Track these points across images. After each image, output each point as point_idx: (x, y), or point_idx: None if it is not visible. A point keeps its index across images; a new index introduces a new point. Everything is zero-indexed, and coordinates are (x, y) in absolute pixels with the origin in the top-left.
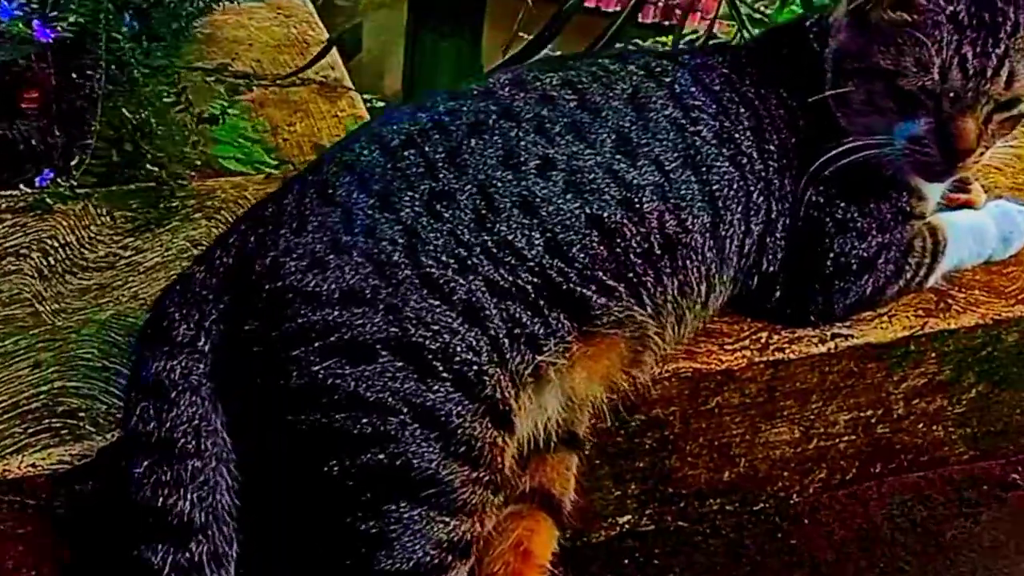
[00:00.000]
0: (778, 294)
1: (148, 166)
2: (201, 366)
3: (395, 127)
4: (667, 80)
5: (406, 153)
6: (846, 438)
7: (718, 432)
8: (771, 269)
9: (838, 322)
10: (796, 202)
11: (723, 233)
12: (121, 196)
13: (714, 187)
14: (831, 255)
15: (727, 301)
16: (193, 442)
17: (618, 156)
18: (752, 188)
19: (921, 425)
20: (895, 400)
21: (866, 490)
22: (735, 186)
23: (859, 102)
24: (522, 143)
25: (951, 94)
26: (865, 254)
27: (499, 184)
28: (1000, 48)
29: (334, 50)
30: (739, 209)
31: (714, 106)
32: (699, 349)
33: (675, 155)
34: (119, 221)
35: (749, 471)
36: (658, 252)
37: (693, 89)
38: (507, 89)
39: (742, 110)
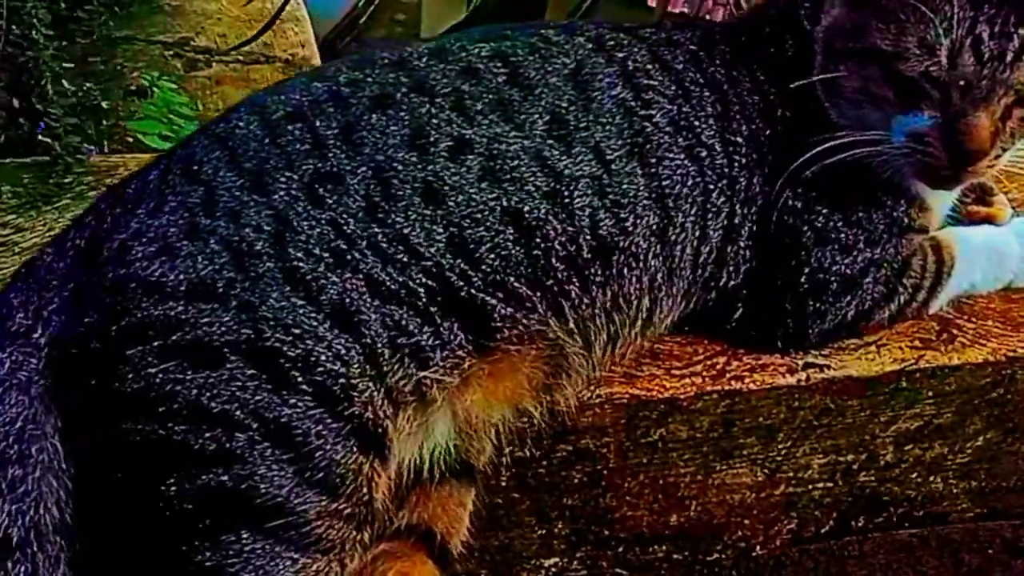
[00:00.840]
0: (741, 312)
1: (41, 138)
2: (34, 361)
3: (283, 97)
4: (620, 55)
5: (291, 127)
6: (821, 485)
7: (663, 469)
8: (733, 283)
9: (813, 349)
10: (768, 205)
11: (673, 238)
12: (13, 170)
13: (664, 183)
14: (807, 270)
15: (682, 318)
16: (15, 447)
17: (550, 141)
18: (711, 186)
19: (915, 475)
20: (882, 444)
21: (845, 546)
22: (690, 183)
23: (852, 90)
24: (434, 121)
25: (961, 83)
26: (848, 271)
27: (400, 167)
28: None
29: (308, 27)
30: (694, 211)
31: (673, 87)
32: (640, 373)
33: (619, 142)
34: (6, 197)
35: (702, 516)
36: (587, 257)
37: (650, 67)
38: (424, 59)
39: (706, 94)
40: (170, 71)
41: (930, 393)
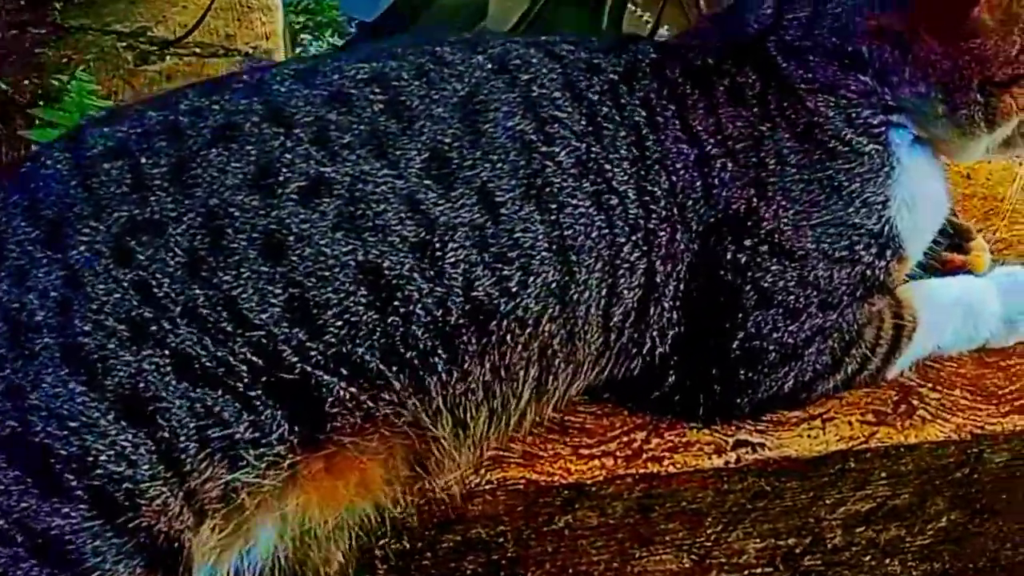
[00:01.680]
0: (672, 382)
1: None
2: None
3: (106, 130)
4: (524, 79)
5: (108, 166)
6: (759, 570)
7: (572, 558)
8: (660, 351)
9: (748, 419)
10: (699, 262)
11: (575, 297)
12: None
13: (566, 232)
14: (740, 334)
15: (608, 382)
16: None
17: (427, 181)
18: (622, 239)
19: (869, 558)
20: (829, 527)
21: None
22: (596, 234)
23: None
24: (286, 156)
25: None
26: (791, 340)
27: (237, 213)
28: None
29: (279, 16)
30: (600, 266)
31: (583, 122)
32: (543, 452)
33: (512, 183)
34: None
35: None
36: (458, 323)
37: (559, 95)
38: (287, 83)
39: (621, 134)
40: (120, 65)
41: (883, 474)
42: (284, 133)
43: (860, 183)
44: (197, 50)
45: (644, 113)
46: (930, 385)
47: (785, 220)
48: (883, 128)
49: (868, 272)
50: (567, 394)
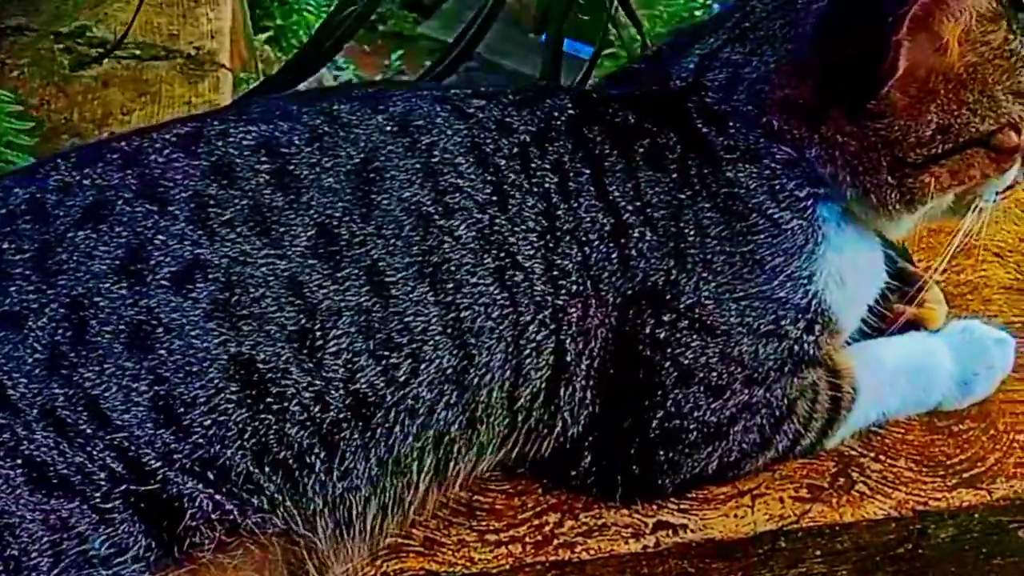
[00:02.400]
0: (587, 461)
1: None
2: None
3: None
4: (425, 143)
5: None
6: None
7: None
8: (575, 430)
9: (671, 498)
10: (615, 338)
11: (475, 381)
12: None
13: (463, 314)
14: (660, 413)
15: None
16: None
17: (312, 262)
18: (527, 317)
19: None
20: None
21: None
22: (497, 314)
23: (940, 186)
24: (159, 238)
25: None
26: (714, 418)
27: (103, 303)
28: None
29: (226, 12)
30: (503, 347)
31: (488, 190)
32: (446, 537)
33: (405, 262)
34: None
35: None
36: (338, 418)
37: (462, 161)
38: (167, 151)
39: (529, 203)
40: (55, 70)
41: (818, 552)
42: (158, 211)
43: (784, 258)
44: (137, 52)
45: (556, 179)
46: (872, 454)
47: (706, 293)
48: (810, 201)
49: (796, 347)
50: (472, 474)
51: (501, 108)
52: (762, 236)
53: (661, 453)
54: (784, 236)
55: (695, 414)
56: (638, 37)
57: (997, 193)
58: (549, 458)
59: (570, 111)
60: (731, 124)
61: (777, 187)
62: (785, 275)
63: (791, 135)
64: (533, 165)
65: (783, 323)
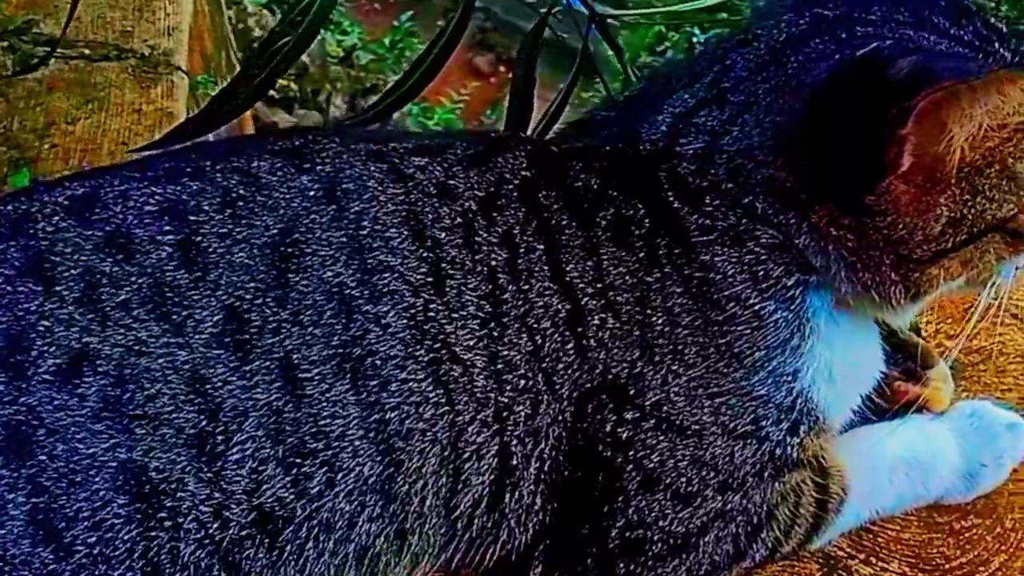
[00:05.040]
0: (538, 572)
1: None
2: None
3: None
4: (353, 211)
5: None
6: None
7: None
8: (522, 541)
9: None
10: (569, 437)
11: (404, 489)
12: None
13: (389, 415)
14: (620, 521)
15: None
16: None
17: (217, 351)
18: (466, 417)
19: None
20: None
21: None
22: (430, 414)
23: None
24: (43, 324)
25: None
26: (681, 528)
27: None
28: None
29: (186, 7)
30: (437, 451)
31: (424, 269)
32: None
33: (324, 354)
34: None
35: None
36: (239, 536)
37: (394, 234)
38: (56, 218)
39: (471, 283)
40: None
41: None
42: (43, 291)
43: (765, 352)
44: (86, 51)
45: (504, 255)
46: (863, 556)
47: (676, 389)
48: (799, 290)
49: (778, 450)
50: None
51: (445, 167)
52: (741, 328)
53: (621, 566)
54: (767, 328)
55: (660, 523)
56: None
57: (1017, 268)
58: (494, 569)
59: (524, 172)
60: (707, 201)
61: (761, 274)
62: (766, 371)
63: (777, 220)
64: (478, 239)
65: (763, 424)
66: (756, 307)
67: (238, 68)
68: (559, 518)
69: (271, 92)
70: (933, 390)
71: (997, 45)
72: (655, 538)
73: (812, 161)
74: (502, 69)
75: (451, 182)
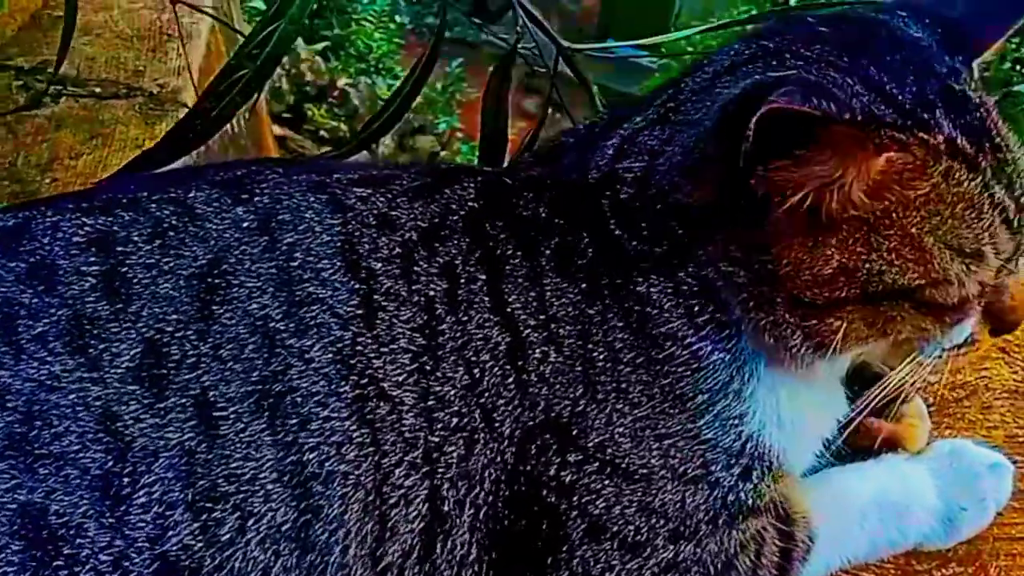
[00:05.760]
0: None
1: None
2: None
3: None
4: (286, 243)
5: None
6: None
7: None
8: None
9: None
10: (517, 476)
11: (323, 538)
12: None
13: (308, 456)
14: (563, 574)
15: None
16: None
17: (132, 387)
18: (393, 458)
19: None
20: None
21: None
22: (353, 455)
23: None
24: None
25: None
26: None
27: None
28: (1011, 150)
29: (196, 46)
30: (361, 496)
31: (355, 301)
32: None
33: (242, 391)
34: None
35: None
36: None
37: (326, 265)
38: None
39: (405, 316)
40: (8, 108)
41: None
42: None
43: (708, 395)
44: (97, 90)
45: (443, 285)
46: None
47: (621, 430)
48: (734, 328)
49: (731, 496)
50: None
51: (389, 199)
52: (681, 369)
53: None
54: (707, 371)
55: (607, 575)
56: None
57: (945, 350)
58: None
59: (471, 203)
60: (643, 226)
61: (695, 309)
62: (712, 415)
63: (693, 249)
64: (416, 269)
65: (713, 468)
66: (694, 347)
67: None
68: (498, 570)
69: (322, 132)
70: (908, 427)
71: (937, 113)
72: None
73: (712, 188)
74: (550, 111)
75: (393, 213)
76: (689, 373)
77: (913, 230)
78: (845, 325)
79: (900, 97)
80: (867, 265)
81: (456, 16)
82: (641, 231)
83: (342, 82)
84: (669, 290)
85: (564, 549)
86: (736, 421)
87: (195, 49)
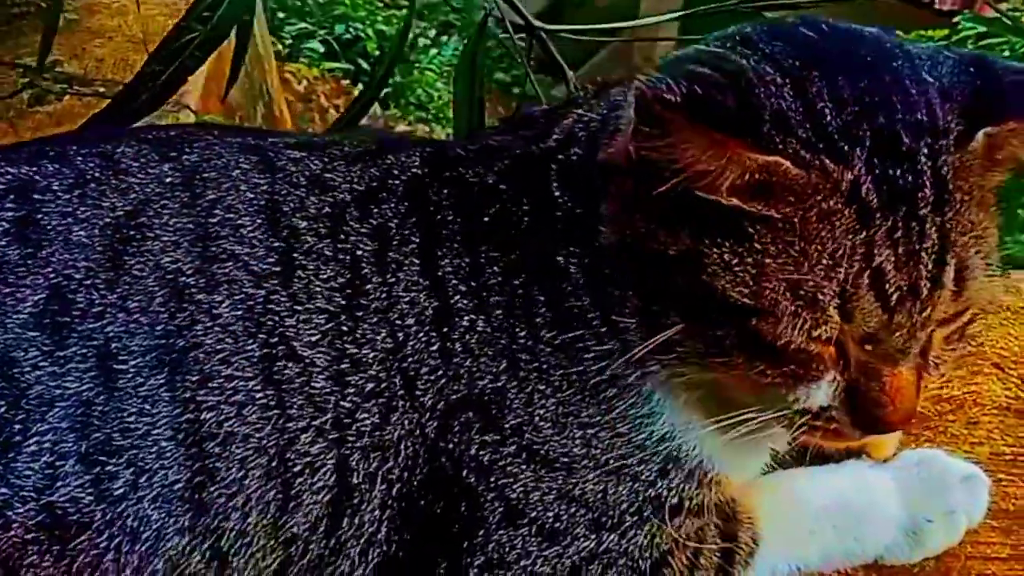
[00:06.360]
0: None
1: None
2: None
3: None
4: (207, 199)
5: None
6: None
7: None
8: (361, 574)
9: None
10: (438, 452)
11: (218, 502)
12: None
13: (206, 415)
14: (479, 560)
15: None
16: None
17: (34, 333)
18: (300, 423)
19: None
20: None
21: None
22: (255, 417)
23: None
24: None
25: (867, 339)
26: (547, 569)
27: None
28: (935, 230)
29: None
30: (264, 462)
31: (272, 259)
32: None
33: (144, 344)
34: None
35: None
36: (27, 539)
37: (247, 222)
38: None
39: (327, 273)
40: (12, 105)
41: None
42: None
43: (617, 390)
44: (101, 89)
45: (372, 246)
46: None
47: (542, 413)
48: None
49: (652, 492)
50: None
51: (325, 162)
52: (590, 357)
53: None
54: (612, 361)
55: (523, 563)
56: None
57: (794, 411)
58: None
59: (415, 169)
60: (581, 188)
61: (601, 287)
62: (620, 410)
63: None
64: (346, 229)
65: (631, 462)
66: (601, 331)
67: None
68: (409, 552)
69: None
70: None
71: (858, 152)
72: None
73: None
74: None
75: (328, 175)
76: (597, 361)
77: (766, 245)
78: (673, 332)
79: (827, 119)
80: (709, 257)
81: (525, 71)
82: (579, 193)
83: (399, 128)
84: (586, 264)
85: (480, 533)
86: (646, 419)
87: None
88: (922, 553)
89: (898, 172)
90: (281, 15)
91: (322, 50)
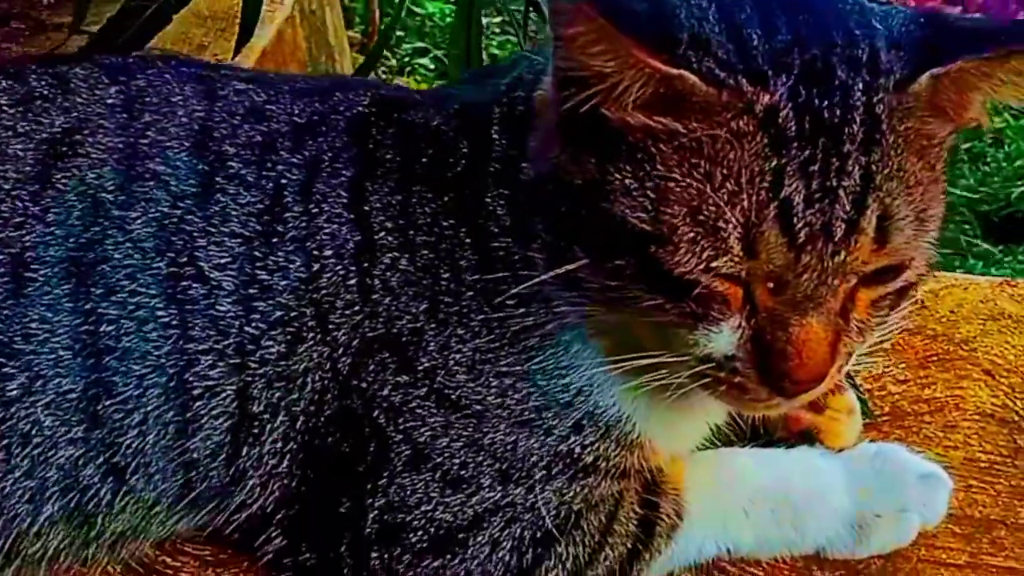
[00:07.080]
0: (279, 545)
1: None
2: None
3: None
4: (143, 120)
5: None
6: None
7: None
8: (262, 504)
9: None
10: (348, 390)
11: (112, 417)
12: None
13: (104, 327)
14: (380, 501)
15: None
16: None
17: None
18: (201, 346)
19: None
20: None
21: None
22: (156, 334)
23: (594, 287)
24: None
25: (771, 280)
26: (448, 516)
27: None
28: (858, 169)
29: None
30: (162, 382)
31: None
32: None
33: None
34: None
35: None
36: None
37: (175, 144)
38: None
39: (247, 198)
40: None
41: None
42: None
43: (538, 338)
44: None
45: (299, 176)
46: None
47: (457, 358)
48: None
49: (564, 448)
50: (142, 542)
51: (269, 94)
52: (512, 303)
53: (375, 557)
54: (532, 309)
55: (423, 508)
56: None
57: (688, 362)
58: (242, 532)
59: (361, 108)
60: (518, 130)
61: (531, 234)
62: (540, 359)
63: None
64: (275, 157)
65: (545, 415)
66: (522, 275)
67: None
68: (315, 489)
69: None
70: (829, 420)
71: (782, 78)
72: (415, 525)
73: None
74: None
75: (267, 106)
76: (517, 310)
77: (670, 166)
78: (576, 267)
79: (753, 43)
80: (611, 184)
81: None
82: (516, 135)
83: None
84: (513, 209)
85: (385, 475)
86: (563, 371)
87: (265, 34)
88: (867, 550)
89: (825, 103)
90: (400, 33)
91: (432, 67)
